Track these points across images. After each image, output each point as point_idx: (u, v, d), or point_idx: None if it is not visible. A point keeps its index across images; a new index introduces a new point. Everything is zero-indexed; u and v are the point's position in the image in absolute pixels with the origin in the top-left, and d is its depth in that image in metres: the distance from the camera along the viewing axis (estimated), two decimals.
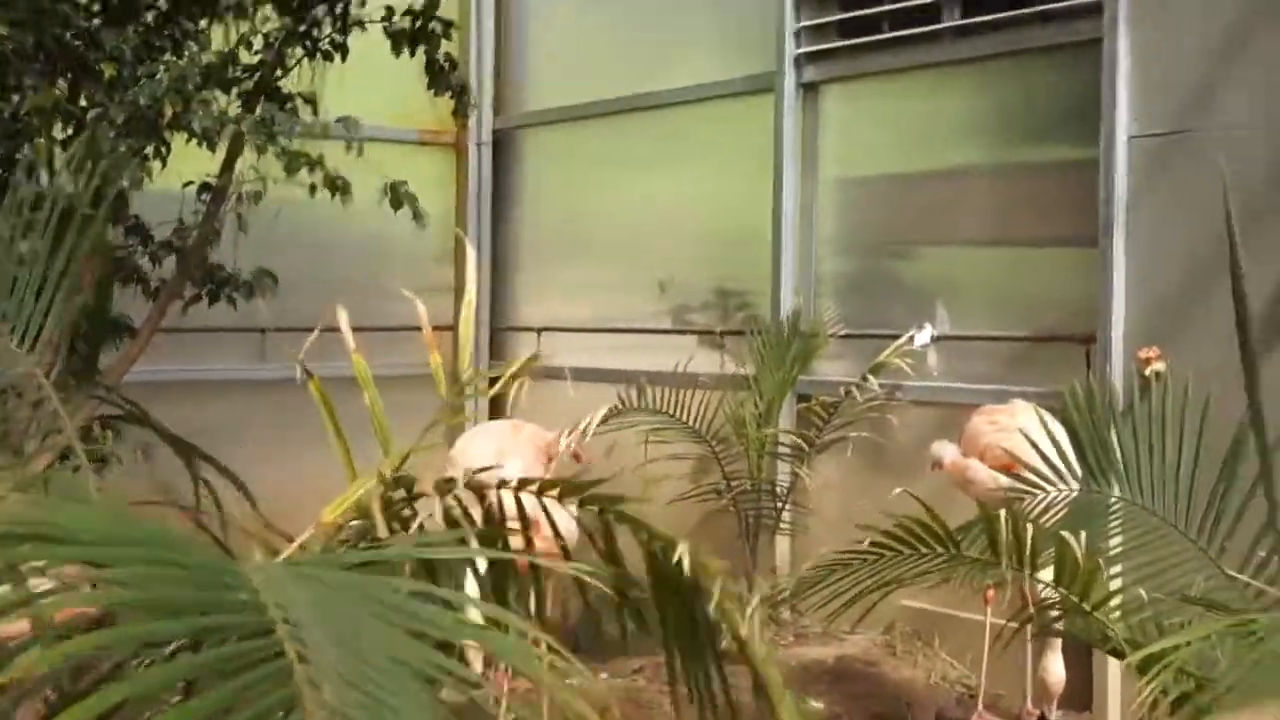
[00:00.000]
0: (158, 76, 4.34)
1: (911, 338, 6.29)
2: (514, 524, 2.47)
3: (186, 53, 4.49)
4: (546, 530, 2.47)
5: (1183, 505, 3.42)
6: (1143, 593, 3.02)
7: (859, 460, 6.49)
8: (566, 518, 2.39)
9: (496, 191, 8.83)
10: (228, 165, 5.31)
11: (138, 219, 5.69)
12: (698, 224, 7.66)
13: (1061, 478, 3.69)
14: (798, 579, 3.38)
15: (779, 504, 6.39)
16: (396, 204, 5.29)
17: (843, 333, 6.62)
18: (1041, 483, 3.71)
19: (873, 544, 3.13)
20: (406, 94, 8.60)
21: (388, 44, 8.45)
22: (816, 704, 5.63)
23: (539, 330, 8.57)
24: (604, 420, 5.54)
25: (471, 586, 2.36)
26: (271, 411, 8.14)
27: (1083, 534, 2.95)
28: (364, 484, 2.67)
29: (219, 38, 5.23)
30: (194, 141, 5.08)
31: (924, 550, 3.07)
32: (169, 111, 4.31)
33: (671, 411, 6.29)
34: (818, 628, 6.54)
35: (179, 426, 7.73)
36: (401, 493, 2.64)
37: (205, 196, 5.71)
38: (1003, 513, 2.99)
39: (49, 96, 4.39)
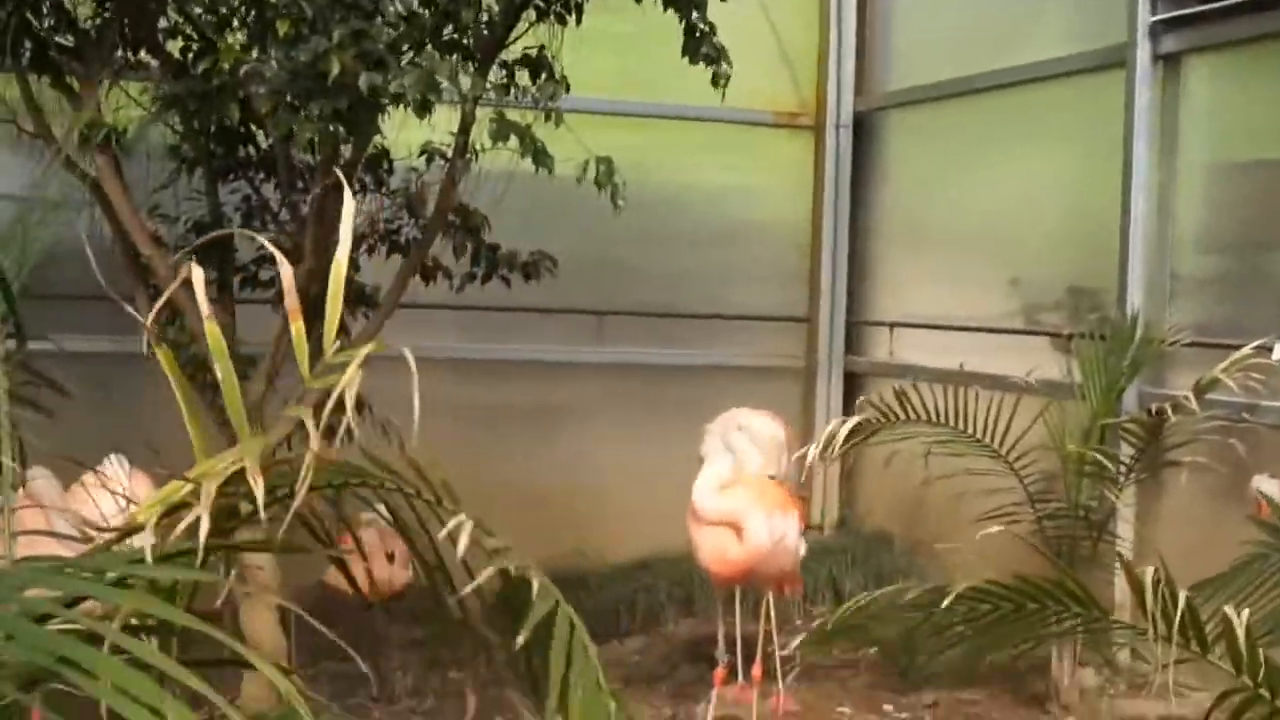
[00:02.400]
0: (335, 35, 4.15)
1: (1269, 349, 5.35)
2: None
3: (382, 9, 4.26)
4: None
5: None
6: None
7: (1197, 488, 5.60)
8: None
9: (856, 176, 8.31)
10: (462, 131, 5.10)
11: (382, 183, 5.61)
12: (1050, 215, 6.91)
13: None
14: None
15: (1094, 533, 5.61)
16: (599, 183, 4.91)
17: (1186, 340, 5.73)
18: None
19: None
20: (763, 74, 8.27)
21: (742, 23, 8.17)
22: None
23: (891, 325, 8.01)
24: (854, 435, 5.01)
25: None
26: (607, 395, 8.02)
27: None
28: (177, 488, 2.39)
29: None
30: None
31: None
32: (334, 70, 4.11)
33: (960, 420, 5.57)
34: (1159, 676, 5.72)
35: (515, 406, 7.95)
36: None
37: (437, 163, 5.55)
38: None
39: (228, 52, 4.31)
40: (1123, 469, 5.58)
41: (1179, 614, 2.55)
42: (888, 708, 6.02)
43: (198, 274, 2.96)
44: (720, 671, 4.95)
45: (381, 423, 5.75)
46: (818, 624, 5.13)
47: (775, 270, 8.37)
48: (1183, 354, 5.89)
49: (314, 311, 5.47)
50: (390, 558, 6.54)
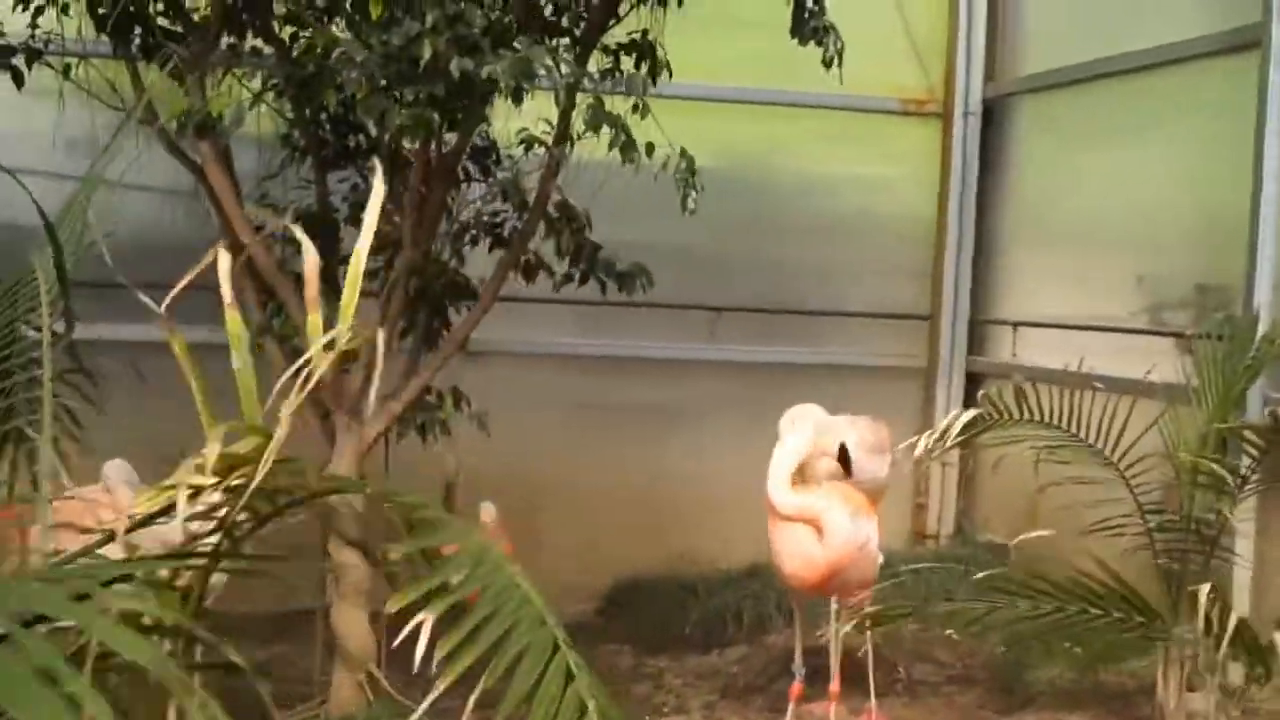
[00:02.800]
0: (429, 18, 4.02)
1: None
2: None
3: None
4: None
5: None
6: None
7: None
8: None
9: (983, 167, 7.97)
10: (562, 119, 4.95)
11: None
12: (1179, 208, 6.54)
13: None
14: None
15: (1206, 548, 5.24)
16: (679, 179, 4.67)
17: None
18: None
19: None
20: (890, 60, 8.01)
21: (868, 6, 7.88)
22: None
23: (1014, 324, 7.66)
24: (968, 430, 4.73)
25: None
26: (720, 394, 7.81)
27: None
28: (174, 481, 2.29)
29: None
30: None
31: None
32: (425, 54, 3.98)
33: (1073, 424, 5.22)
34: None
35: (627, 402, 7.80)
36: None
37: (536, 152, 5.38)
38: None
39: (326, 36, 4.22)
40: (1240, 480, 5.20)
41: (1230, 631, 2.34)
42: None
43: (224, 261, 2.88)
44: (797, 686, 4.72)
45: (477, 416, 5.69)
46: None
47: (897, 265, 8.08)
48: None
49: (413, 304, 5.42)
50: None
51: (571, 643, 1.90)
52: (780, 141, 7.93)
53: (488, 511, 6.54)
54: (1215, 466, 4.98)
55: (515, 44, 4.20)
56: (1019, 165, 7.90)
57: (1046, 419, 5.16)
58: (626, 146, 4.47)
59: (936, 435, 4.72)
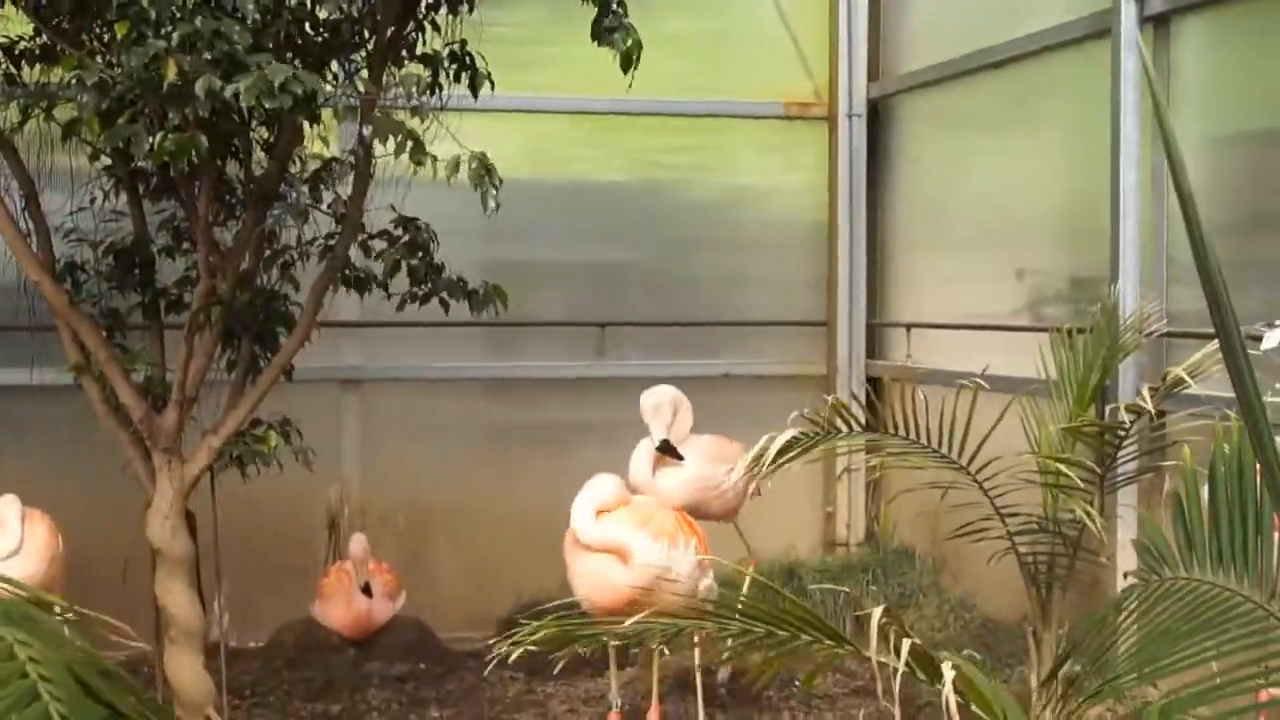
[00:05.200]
0: (175, 37, 3.86)
1: (1257, 338, 4.81)
2: None
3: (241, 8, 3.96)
4: None
5: None
6: None
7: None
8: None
9: (873, 168, 7.82)
10: (360, 134, 4.80)
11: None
12: (1049, 202, 6.40)
13: None
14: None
15: (1069, 549, 5.08)
16: (473, 181, 4.48)
17: (1163, 331, 5.20)
18: None
19: None
20: (774, 64, 7.90)
21: (752, 16, 7.76)
22: None
23: (908, 326, 7.51)
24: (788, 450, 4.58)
25: None
26: (612, 410, 7.65)
27: None
28: None
29: None
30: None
31: None
32: (170, 75, 3.83)
33: (906, 429, 5.05)
34: None
35: (512, 423, 7.65)
36: None
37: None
38: None
39: (68, 62, 4.08)
40: (1097, 477, 5.04)
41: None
42: None
43: None
44: (614, 716, 4.57)
45: (304, 450, 5.51)
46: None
47: (792, 273, 7.93)
48: (1186, 347, 5.33)
49: (234, 336, 5.24)
50: (367, 591, 6.30)
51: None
52: (666, 151, 7.79)
53: (358, 543, 6.40)
54: (1059, 465, 4.82)
55: (259, 63, 4.04)
56: (907, 165, 7.75)
57: (890, 427, 5.00)
58: (415, 151, 4.32)
59: (749, 459, 4.57)
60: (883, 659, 2.21)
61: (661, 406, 5.76)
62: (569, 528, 4.62)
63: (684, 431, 5.87)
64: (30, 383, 5.99)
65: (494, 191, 4.42)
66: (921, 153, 7.69)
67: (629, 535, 4.47)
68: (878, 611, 2.13)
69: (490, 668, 3.98)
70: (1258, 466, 2.90)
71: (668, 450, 5.74)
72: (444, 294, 5.41)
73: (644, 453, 5.72)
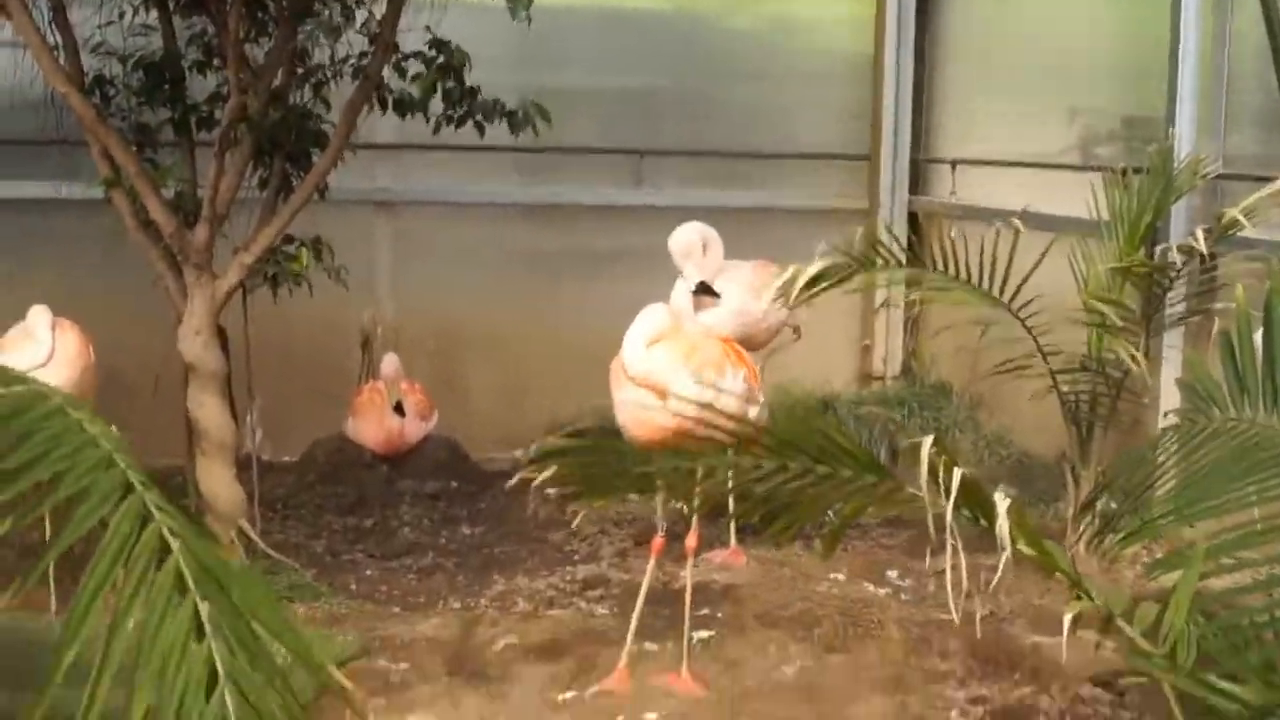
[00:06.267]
0: None
1: None
2: None
3: None
4: None
5: None
6: None
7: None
8: None
9: (921, 4, 7.56)
10: None
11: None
12: (1103, 38, 6.22)
13: None
14: None
15: (1114, 390, 5.04)
16: None
17: (1216, 174, 5.07)
18: None
19: None
20: None
21: None
22: None
23: (953, 163, 7.36)
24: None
25: None
26: (649, 237, 7.56)
27: None
28: None
29: None
30: None
31: None
32: None
33: (954, 266, 4.95)
34: None
35: (546, 249, 7.57)
36: None
37: None
38: None
39: None
40: (1144, 317, 4.97)
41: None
42: (891, 573, 5.59)
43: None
44: (659, 540, 4.55)
45: (338, 269, 5.48)
46: None
47: (835, 105, 7.74)
48: (1241, 191, 5.19)
49: (268, 154, 5.17)
50: (399, 410, 6.32)
51: (150, 485, 1.70)
52: None
53: (391, 362, 6.41)
54: (1101, 305, 4.75)
55: None
56: (957, 2, 7.53)
57: (931, 263, 4.93)
58: None
59: (780, 284, 4.50)
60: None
61: (692, 247, 5.64)
62: (617, 356, 4.56)
63: (715, 266, 5.76)
64: (60, 195, 5.95)
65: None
66: None
67: (670, 374, 4.41)
68: (928, 441, 2.07)
69: (515, 483, 3.95)
70: None
71: (705, 290, 5.63)
72: (479, 117, 5.32)
73: (682, 296, 5.59)
